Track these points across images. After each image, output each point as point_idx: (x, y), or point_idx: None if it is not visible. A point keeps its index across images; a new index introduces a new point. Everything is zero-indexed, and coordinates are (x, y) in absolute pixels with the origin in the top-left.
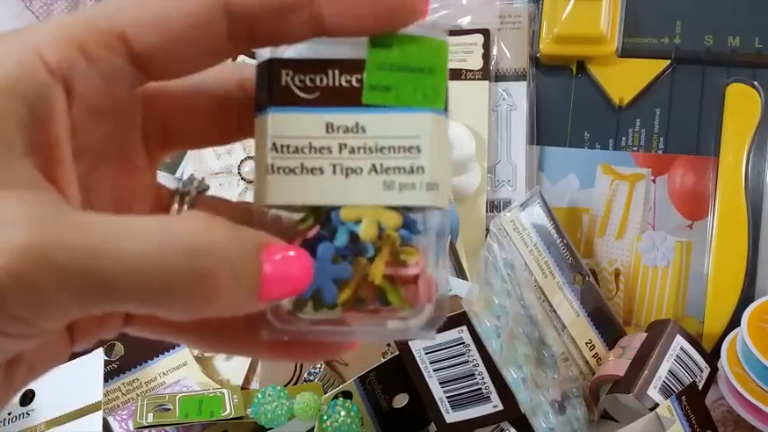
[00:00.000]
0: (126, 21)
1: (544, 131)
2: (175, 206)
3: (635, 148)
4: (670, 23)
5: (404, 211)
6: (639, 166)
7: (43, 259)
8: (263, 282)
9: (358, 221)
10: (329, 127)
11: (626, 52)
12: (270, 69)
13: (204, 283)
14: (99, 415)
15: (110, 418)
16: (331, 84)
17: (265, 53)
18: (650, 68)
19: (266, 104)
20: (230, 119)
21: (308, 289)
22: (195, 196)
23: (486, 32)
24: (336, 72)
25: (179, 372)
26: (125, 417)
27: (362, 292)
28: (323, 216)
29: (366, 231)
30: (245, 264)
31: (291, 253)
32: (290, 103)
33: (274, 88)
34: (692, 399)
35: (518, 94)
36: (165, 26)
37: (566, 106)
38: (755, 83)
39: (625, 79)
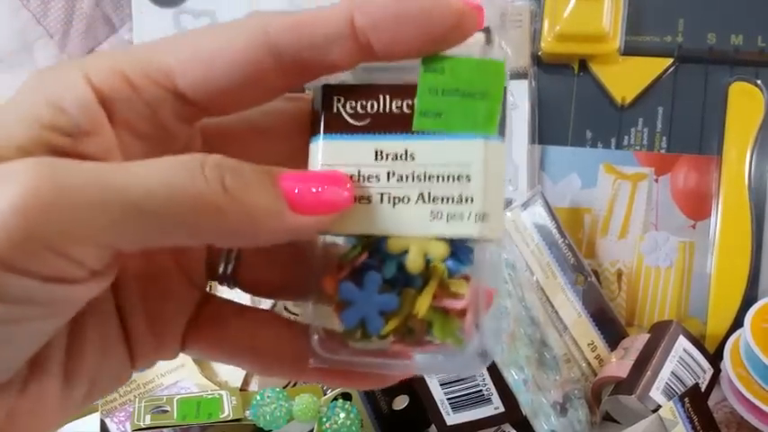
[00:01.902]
0: (169, 55)
1: (546, 130)
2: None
3: (637, 148)
4: (673, 22)
5: (453, 241)
6: (642, 165)
7: (63, 185)
8: (285, 189)
9: (405, 252)
10: (378, 154)
11: (628, 51)
12: (322, 96)
13: (213, 186)
14: (96, 417)
15: (107, 420)
16: (381, 110)
17: (318, 81)
18: (653, 67)
19: (318, 132)
20: (295, 154)
21: (354, 319)
22: (239, 254)
23: (487, 30)
24: (387, 97)
25: (177, 373)
26: (122, 418)
27: (412, 323)
28: (371, 245)
29: (413, 263)
30: (256, 173)
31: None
32: (341, 130)
33: (326, 115)
34: (694, 400)
35: (519, 93)
36: (209, 66)
37: (567, 105)
38: (758, 81)
39: (627, 78)
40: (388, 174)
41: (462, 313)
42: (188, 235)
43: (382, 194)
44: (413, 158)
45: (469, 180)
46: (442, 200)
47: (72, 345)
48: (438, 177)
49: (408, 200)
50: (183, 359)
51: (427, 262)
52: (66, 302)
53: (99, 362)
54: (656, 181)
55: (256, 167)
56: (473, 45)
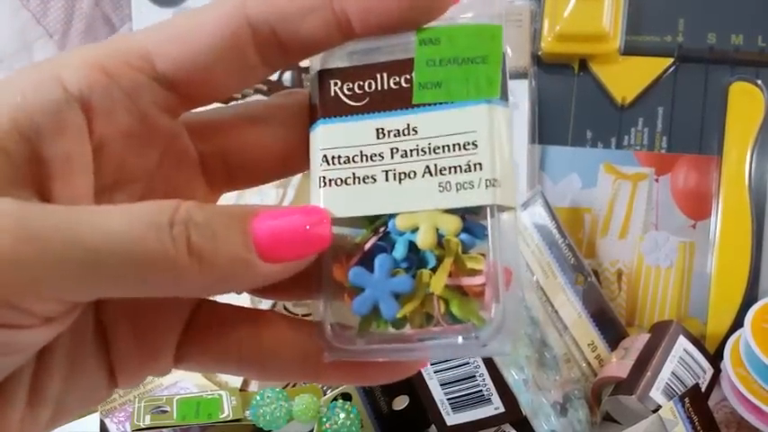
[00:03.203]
0: (148, 40)
1: (546, 130)
2: None
3: (637, 147)
4: (673, 21)
5: (465, 216)
6: (642, 165)
7: (24, 236)
8: (257, 237)
9: (415, 229)
10: (380, 132)
11: (628, 50)
12: (319, 81)
13: (179, 247)
14: (96, 417)
15: (107, 420)
16: (379, 88)
17: (315, 66)
18: (653, 67)
19: (317, 117)
20: (292, 147)
21: (367, 305)
22: None
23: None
24: (385, 75)
25: (177, 373)
26: (122, 419)
27: (428, 306)
28: (380, 226)
29: (424, 240)
30: (227, 225)
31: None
32: (340, 113)
33: (324, 99)
34: (695, 400)
35: (519, 93)
36: (186, 42)
37: (567, 105)
38: (759, 81)
39: (627, 78)
40: (392, 151)
41: (481, 290)
42: (149, 291)
43: (387, 172)
44: (415, 132)
45: (476, 146)
46: (450, 170)
47: (39, 365)
48: (443, 148)
49: (414, 174)
50: None
51: (440, 238)
52: (20, 346)
53: (67, 383)
54: (657, 181)
55: (228, 213)
56: (471, 11)
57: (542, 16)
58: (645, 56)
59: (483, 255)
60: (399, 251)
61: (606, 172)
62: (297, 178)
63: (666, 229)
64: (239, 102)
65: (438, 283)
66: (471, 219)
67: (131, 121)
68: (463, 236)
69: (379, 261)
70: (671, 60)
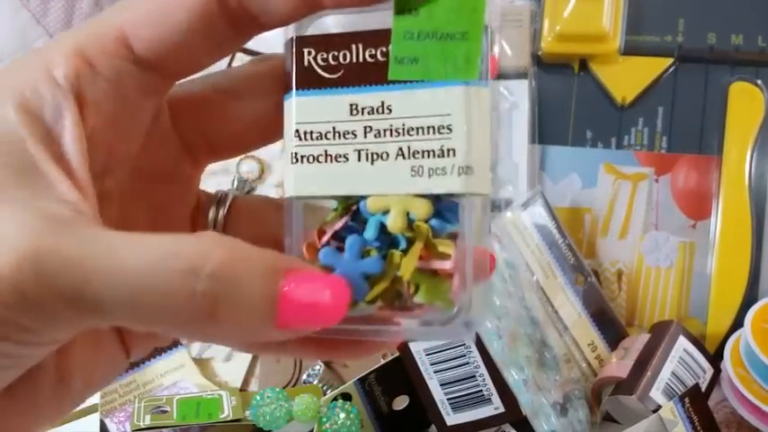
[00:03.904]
0: (122, 22)
1: (546, 130)
2: (212, 212)
3: (637, 147)
4: (673, 21)
5: (438, 199)
6: (642, 165)
7: (37, 270)
8: (282, 309)
9: (387, 211)
10: (353, 109)
11: (628, 50)
12: (292, 50)
13: (202, 304)
14: (96, 417)
15: (107, 420)
16: (354, 60)
17: (288, 33)
18: (653, 67)
19: (290, 88)
20: (271, 114)
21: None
22: (231, 200)
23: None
24: (360, 46)
25: (177, 373)
26: (122, 419)
27: (399, 287)
28: (352, 206)
29: (393, 223)
30: (253, 287)
31: (325, 282)
32: (314, 85)
33: (297, 70)
34: (695, 400)
35: (519, 93)
36: (159, 18)
37: (568, 105)
38: (759, 81)
39: (627, 78)
40: (365, 129)
41: (450, 274)
42: (161, 331)
43: (359, 151)
44: (389, 111)
45: (450, 131)
46: (423, 154)
47: (63, 346)
48: (417, 130)
49: (387, 156)
50: (184, 359)
51: (411, 221)
52: (24, 356)
53: (92, 357)
54: (657, 181)
55: (260, 269)
56: None
57: (542, 16)
58: (645, 56)
59: (454, 238)
60: (370, 232)
61: (606, 172)
62: None
63: (666, 229)
64: (214, 73)
65: (407, 267)
66: (445, 200)
67: (116, 107)
68: (433, 221)
69: (350, 242)
70: (671, 60)
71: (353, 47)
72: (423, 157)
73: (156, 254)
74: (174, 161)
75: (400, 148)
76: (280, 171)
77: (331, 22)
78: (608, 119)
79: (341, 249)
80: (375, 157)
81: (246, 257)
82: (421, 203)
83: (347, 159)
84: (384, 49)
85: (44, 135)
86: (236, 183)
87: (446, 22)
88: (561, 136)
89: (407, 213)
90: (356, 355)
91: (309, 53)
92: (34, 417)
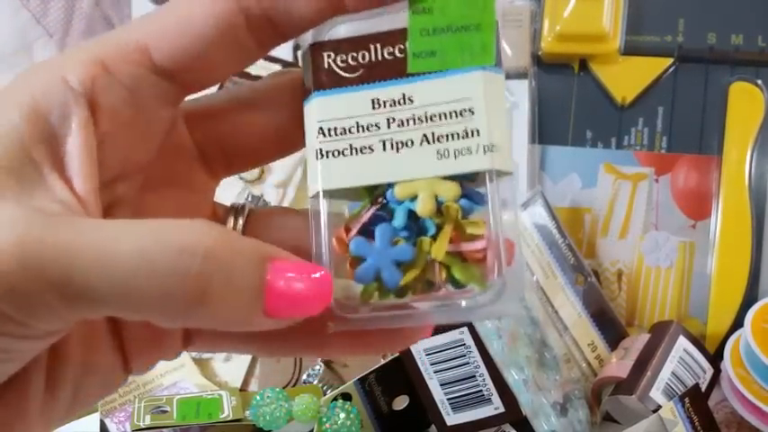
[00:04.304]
0: (144, 32)
1: (546, 130)
2: (230, 222)
3: (637, 147)
4: (673, 21)
5: (463, 180)
6: (642, 165)
7: (25, 259)
8: (268, 295)
9: (414, 198)
10: (375, 103)
11: (628, 50)
12: (312, 55)
13: (195, 285)
14: (96, 417)
15: (107, 420)
16: (374, 59)
17: (306, 40)
18: (653, 67)
19: (311, 90)
20: (288, 126)
21: (370, 274)
22: (249, 211)
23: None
24: (378, 46)
25: (177, 373)
26: (122, 419)
27: (429, 273)
28: (378, 196)
29: (423, 207)
30: (244, 272)
31: (313, 272)
32: (335, 85)
33: (317, 72)
34: (695, 400)
35: (520, 93)
36: (182, 30)
37: (568, 105)
38: (759, 81)
39: (627, 77)
40: (388, 120)
41: (482, 254)
42: (153, 318)
43: (384, 141)
44: (411, 101)
45: (473, 113)
46: (448, 137)
47: (55, 352)
48: (440, 116)
49: (412, 143)
50: (183, 359)
51: (439, 205)
52: (21, 353)
53: (84, 368)
54: (657, 181)
55: (249, 255)
56: None
57: (542, 16)
58: (645, 56)
59: (483, 220)
60: (399, 220)
61: (606, 172)
62: (297, 178)
63: (666, 229)
64: (233, 86)
65: (439, 249)
66: (468, 185)
67: (132, 114)
68: (463, 201)
69: (380, 230)
70: (671, 60)
71: (371, 47)
72: (447, 140)
73: (151, 237)
74: (189, 170)
75: (424, 135)
76: (279, 171)
77: (343, 32)
78: (608, 119)
79: (370, 240)
80: (400, 145)
81: (236, 242)
82: (449, 185)
83: (372, 150)
84: (402, 47)
85: (47, 137)
86: (249, 198)
87: (460, 16)
88: (561, 136)
89: (436, 197)
90: (393, 345)
91: (329, 56)
92: (20, 429)
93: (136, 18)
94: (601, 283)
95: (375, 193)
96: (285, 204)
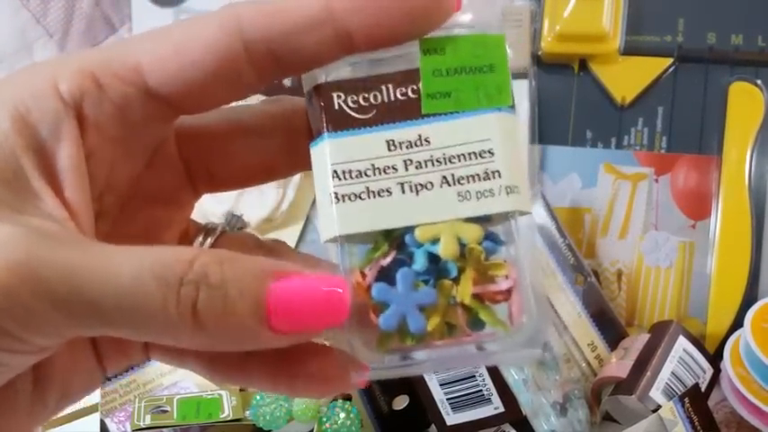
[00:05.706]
0: (142, 52)
1: (546, 130)
2: (198, 240)
3: (637, 147)
4: (672, 21)
5: (484, 222)
6: (642, 165)
7: (30, 276)
8: (272, 310)
9: (435, 240)
10: (390, 144)
11: (628, 50)
12: (320, 95)
13: (182, 311)
14: (96, 417)
15: (107, 420)
16: (386, 99)
17: (313, 80)
18: (653, 67)
19: (321, 132)
20: (277, 155)
21: (394, 320)
22: (220, 234)
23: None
24: (390, 86)
25: (177, 373)
26: (122, 418)
27: (451, 317)
28: (397, 240)
29: (446, 249)
30: (243, 290)
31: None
32: (347, 127)
33: (328, 113)
34: (694, 400)
35: (519, 93)
36: (179, 60)
37: (567, 105)
38: (759, 81)
39: (627, 77)
40: (405, 162)
41: (505, 296)
42: (148, 339)
43: (402, 184)
44: (428, 143)
45: (492, 154)
46: (468, 179)
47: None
48: (459, 157)
49: (432, 185)
50: None
51: (461, 247)
52: (12, 366)
53: (70, 369)
54: (656, 181)
55: (246, 272)
56: (470, 23)
57: (542, 16)
58: (645, 56)
59: (505, 261)
60: (420, 263)
61: (606, 172)
62: (297, 178)
63: (666, 229)
64: (227, 107)
65: (465, 292)
66: (486, 226)
67: (120, 130)
68: (486, 243)
69: (402, 275)
70: (671, 60)
71: (383, 87)
72: (468, 182)
73: (146, 262)
74: (173, 187)
75: (444, 177)
76: None
77: (346, 73)
78: (608, 119)
79: (390, 284)
80: (419, 187)
81: (234, 260)
82: (471, 227)
83: (390, 193)
84: (415, 87)
85: (37, 148)
86: (227, 218)
87: (472, 57)
88: (561, 136)
89: (459, 238)
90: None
91: (339, 96)
92: (9, 428)
93: (136, 35)
94: (600, 283)
95: (392, 236)
96: (285, 205)
